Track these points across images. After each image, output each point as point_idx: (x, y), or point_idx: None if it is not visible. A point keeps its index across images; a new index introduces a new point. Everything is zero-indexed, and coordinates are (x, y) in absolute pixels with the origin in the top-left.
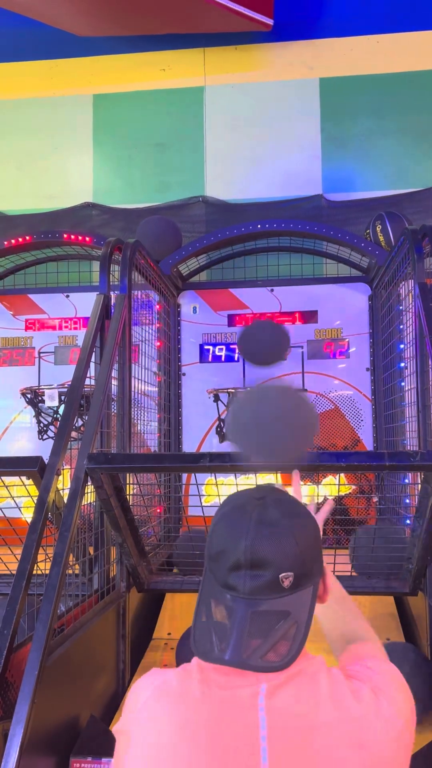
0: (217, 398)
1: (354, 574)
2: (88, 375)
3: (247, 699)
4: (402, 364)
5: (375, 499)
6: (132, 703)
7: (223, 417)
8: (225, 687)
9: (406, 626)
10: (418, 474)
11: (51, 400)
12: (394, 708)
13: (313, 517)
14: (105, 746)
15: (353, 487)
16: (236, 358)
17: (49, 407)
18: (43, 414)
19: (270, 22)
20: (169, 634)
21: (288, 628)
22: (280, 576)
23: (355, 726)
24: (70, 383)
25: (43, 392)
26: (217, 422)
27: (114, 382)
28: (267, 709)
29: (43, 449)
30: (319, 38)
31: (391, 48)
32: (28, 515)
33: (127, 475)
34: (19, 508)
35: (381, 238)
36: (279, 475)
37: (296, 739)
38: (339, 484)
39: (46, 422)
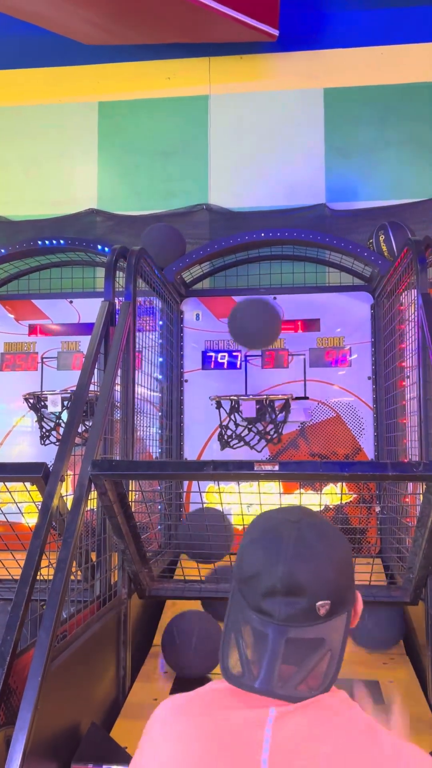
0: (219, 405)
1: None
2: (92, 381)
3: (255, 721)
4: (404, 373)
5: (377, 509)
6: (149, 720)
7: (224, 423)
8: (237, 705)
9: (406, 636)
10: (420, 484)
11: (53, 406)
12: (416, 759)
13: (347, 541)
14: (106, 753)
15: (354, 495)
16: (238, 365)
17: (52, 412)
18: (45, 419)
19: (275, 32)
20: None
21: (322, 657)
22: (317, 604)
23: (360, 764)
24: (72, 389)
25: (46, 397)
26: (219, 429)
27: (117, 389)
28: (273, 732)
29: (45, 454)
30: (323, 49)
31: (394, 59)
32: (30, 520)
33: (131, 481)
34: (22, 514)
35: (384, 248)
36: (280, 483)
37: (297, 765)
38: (341, 493)
39: (48, 427)
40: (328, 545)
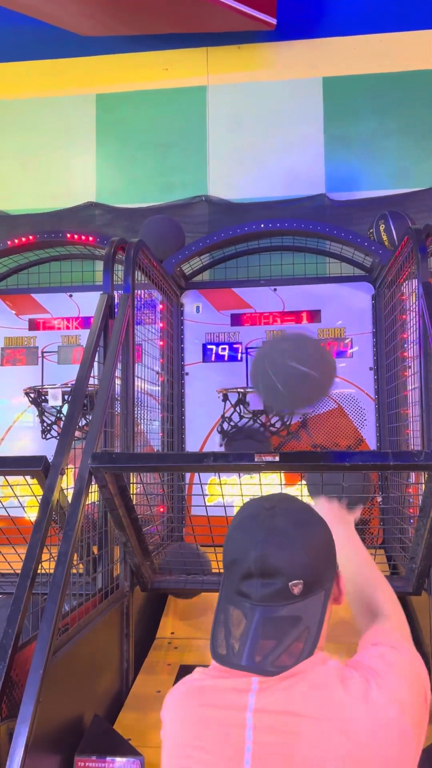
0: (226, 398)
1: None
2: (91, 375)
3: (240, 689)
4: (405, 364)
5: (378, 499)
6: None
7: (228, 415)
8: (224, 681)
9: (409, 626)
10: (422, 473)
11: (54, 400)
12: (385, 694)
13: (324, 524)
14: (109, 745)
15: None
16: (239, 358)
17: (53, 407)
18: (46, 413)
19: (273, 21)
20: (172, 633)
21: (300, 633)
22: (290, 584)
23: (338, 714)
24: (73, 383)
25: (47, 392)
26: (221, 420)
27: (117, 382)
28: (256, 701)
29: (46, 449)
30: (322, 37)
31: (394, 47)
32: (31, 514)
33: (131, 474)
34: (23, 508)
35: (384, 238)
36: (282, 474)
37: (281, 729)
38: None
39: (49, 422)
40: (300, 529)
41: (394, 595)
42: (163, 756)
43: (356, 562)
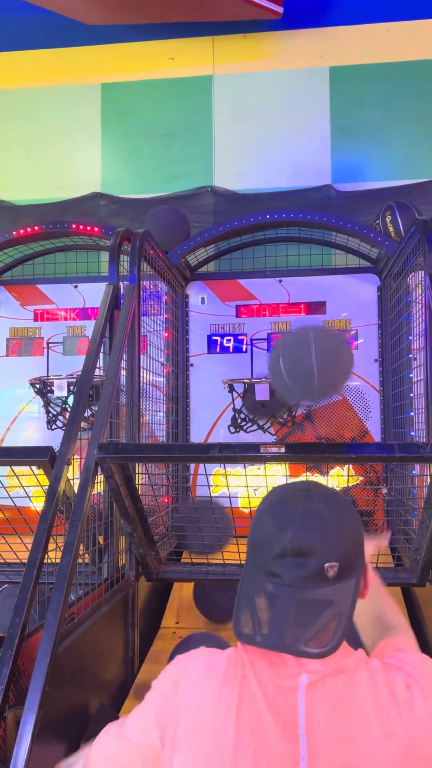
0: (231, 389)
1: None
2: (97, 365)
3: (289, 686)
4: (410, 355)
5: (383, 491)
6: (178, 677)
7: (239, 408)
8: (269, 673)
9: (412, 617)
10: (427, 465)
11: (60, 390)
12: (427, 702)
13: (356, 512)
14: None
15: (360, 478)
16: (244, 349)
17: (58, 397)
18: (51, 404)
19: (280, 10)
20: (177, 623)
21: (331, 618)
22: (326, 566)
23: (386, 717)
24: (78, 373)
25: (52, 382)
26: (233, 413)
27: (123, 373)
28: (306, 697)
29: (52, 439)
30: (329, 26)
31: (401, 36)
32: (37, 504)
33: (137, 464)
34: (29, 498)
35: (390, 229)
36: (287, 466)
37: (333, 727)
38: (347, 476)
39: (55, 412)
40: (336, 512)
41: (400, 610)
42: (184, 735)
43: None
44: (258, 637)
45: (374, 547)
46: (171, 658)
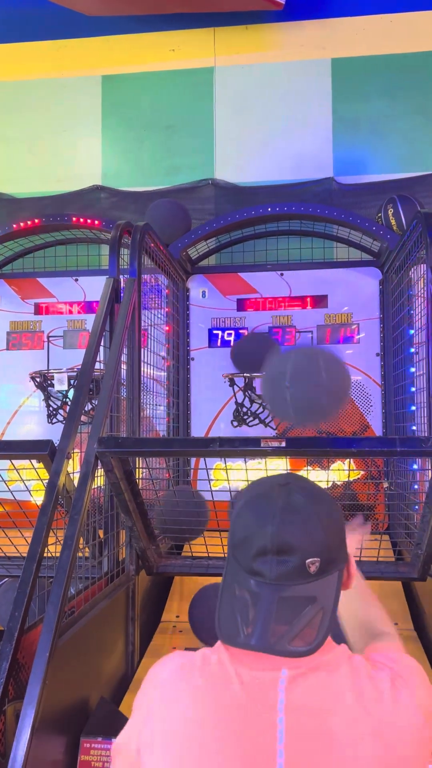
0: (232, 383)
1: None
2: (97, 359)
3: (268, 683)
4: (412, 349)
5: (384, 485)
6: (152, 680)
7: (240, 401)
8: (247, 670)
9: (413, 612)
10: (428, 460)
11: (60, 384)
12: (412, 698)
13: (337, 504)
14: (115, 727)
15: (362, 472)
16: None
17: (59, 391)
18: (52, 398)
19: (282, 0)
20: (177, 617)
21: (314, 614)
22: (307, 561)
23: (369, 714)
24: (79, 367)
25: (53, 376)
26: (235, 407)
27: (123, 367)
28: (286, 694)
29: (52, 433)
30: (331, 17)
31: (404, 27)
32: (38, 498)
33: (137, 459)
34: (29, 492)
35: (393, 222)
36: (288, 459)
37: (312, 725)
38: (348, 470)
39: (55, 406)
40: (316, 506)
41: (388, 617)
42: (160, 737)
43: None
44: (241, 636)
45: (357, 541)
46: (190, 617)
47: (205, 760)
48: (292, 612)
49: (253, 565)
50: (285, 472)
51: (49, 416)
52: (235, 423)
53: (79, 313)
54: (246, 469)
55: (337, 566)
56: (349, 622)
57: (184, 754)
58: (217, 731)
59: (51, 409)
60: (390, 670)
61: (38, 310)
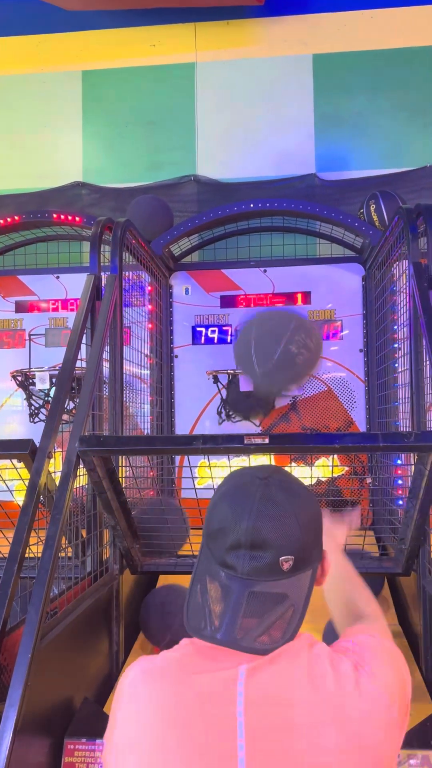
0: (216, 380)
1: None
2: (79, 357)
3: (228, 678)
4: (395, 345)
5: (368, 481)
6: (119, 689)
7: (226, 398)
8: (208, 666)
9: (398, 606)
10: (412, 455)
11: (42, 383)
12: (376, 682)
13: (315, 500)
14: (99, 728)
15: (346, 468)
16: (228, 340)
17: (41, 390)
18: (34, 397)
19: None
20: None
21: (284, 611)
22: (281, 559)
23: (331, 702)
24: (61, 365)
25: (34, 375)
26: (220, 402)
27: (105, 365)
28: (245, 688)
29: (35, 432)
30: (312, 13)
31: (385, 23)
32: (20, 498)
33: (120, 457)
34: (11, 492)
35: (375, 218)
36: (272, 456)
37: (272, 717)
38: (332, 466)
39: (37, 405)
40: (294, 502)
41: (374, 599)
42: (126, 742)
43: (338, 574)
44: (208, 630)
45: (344, 531)
46: (142, 621)
47: (169, 762)
48: (262, 607)
49: (225, 558)
50: (268, 464)
51: (31, 415)
52: (220, 420)
53: (60, 310)
54: (230, 467)
55: (311, 564)
56: (334, 602)
57: (152, 760)
58: (177, 731)
59: (33, 408)
60: (354, 655)
61: (19, 308)
